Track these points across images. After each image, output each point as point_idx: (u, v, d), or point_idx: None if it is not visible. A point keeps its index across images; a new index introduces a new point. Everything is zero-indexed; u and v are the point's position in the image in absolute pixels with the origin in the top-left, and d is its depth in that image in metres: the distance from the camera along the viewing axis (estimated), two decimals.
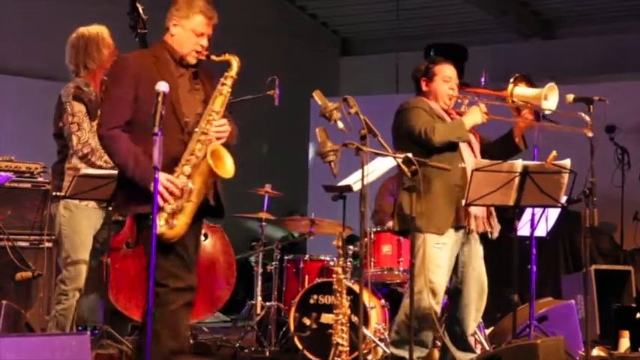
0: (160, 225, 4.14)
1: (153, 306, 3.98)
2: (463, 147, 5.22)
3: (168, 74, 4.31)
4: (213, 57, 4.44)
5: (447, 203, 5.11)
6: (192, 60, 4.40)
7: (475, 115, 5.19)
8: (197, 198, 4.26)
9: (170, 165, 4.23)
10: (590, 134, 5.10)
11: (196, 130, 4.30)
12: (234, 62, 4.43)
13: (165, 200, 4.16)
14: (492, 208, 5.30)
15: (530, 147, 5.50)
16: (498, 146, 5.35)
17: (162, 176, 4.12)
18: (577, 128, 5.14)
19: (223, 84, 4.38)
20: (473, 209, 5.16)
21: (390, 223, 6.33)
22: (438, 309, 5.17)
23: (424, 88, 5.33)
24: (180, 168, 4.24)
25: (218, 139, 4.30)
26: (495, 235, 5.32)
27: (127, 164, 4.23)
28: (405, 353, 5.05)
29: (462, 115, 5.30)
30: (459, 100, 5.32)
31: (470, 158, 5.21)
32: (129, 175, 4.22)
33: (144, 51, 4.59)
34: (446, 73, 5.30)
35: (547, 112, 5.21)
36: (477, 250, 5.29)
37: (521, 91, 5.23)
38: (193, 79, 4.45)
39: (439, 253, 5.10)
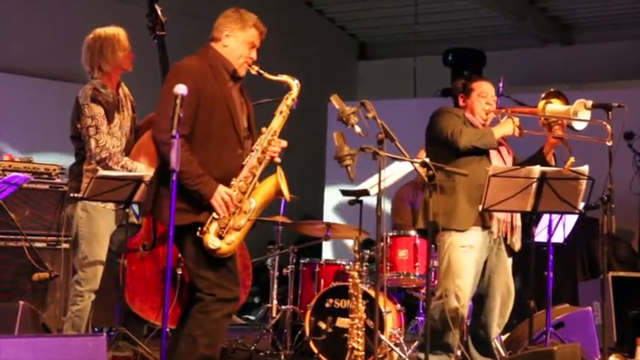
0: (214, 240, 4.19)
1: (168, 309, 4.02)
2: (493, 154, 5.26)
3: (225, 86, 4.32)
4: (266, 75, 4.41)
5: (469, 202, 5.12)
6: (242, 72, 4.41)
7: (507, 127, 5.24)
8: (255, 216, 4.31)
9: (227, 179, 4.26)
10: (609, 143, 5.10)
11: (257, 147, 4.34)
12: (295, 86, 4.45)
13: (228, 213, 4.19)
14: (519, 222, 5.31)
15: (559, 162, 5.46)
16: (530, 164, 5.29)
17: (222, 189, 4.18)
18: (595, 138, 5.16)
19: (286, 105, 4.42)
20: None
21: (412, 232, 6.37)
22: (464, 312, 5.18)
23: (461, 103, 5.40)
24: (237, 183, 4.27)
25: (272, 157, 4.38)
26: (517, 247, 5.33)
27: (189, 173, 4.13)
28: (435, 357, 5.04)
29: None
30: (497, 117, 5.36)
31: (499, 165, 5.22)
32: (189, 184, 4.15)
33: (199, 59, 4.36)
34: (482, 89, 5.38)
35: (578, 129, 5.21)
36: (504, 256, 5.31)
37: (553, 107, 5.29)
38: (240, 93, 4.45)
39: (465, 256, 5.12)
